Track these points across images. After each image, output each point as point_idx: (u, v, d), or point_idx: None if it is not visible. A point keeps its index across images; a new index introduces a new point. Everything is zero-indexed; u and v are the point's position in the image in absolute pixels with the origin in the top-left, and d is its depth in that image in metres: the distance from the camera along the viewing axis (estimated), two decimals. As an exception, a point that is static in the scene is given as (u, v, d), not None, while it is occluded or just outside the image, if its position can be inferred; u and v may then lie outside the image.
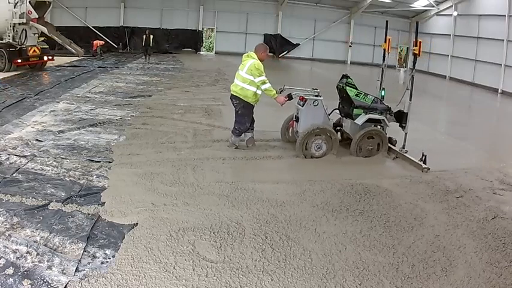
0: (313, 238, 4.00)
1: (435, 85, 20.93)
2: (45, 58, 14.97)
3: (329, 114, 6.81)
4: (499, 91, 18.66)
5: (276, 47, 26.60)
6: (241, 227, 4.09)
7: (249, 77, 6.41)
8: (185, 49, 25.90)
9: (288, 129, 7.18)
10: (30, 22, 14.43)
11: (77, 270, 3.26)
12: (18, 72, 13.36)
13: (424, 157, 6.36)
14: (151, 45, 20.08)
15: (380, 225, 4.36)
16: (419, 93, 17.92)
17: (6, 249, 3.46)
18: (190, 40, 26.09)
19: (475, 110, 15.34)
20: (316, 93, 6.68)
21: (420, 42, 6.74)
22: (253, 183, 5.24)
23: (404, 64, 27.80)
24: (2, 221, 3.91)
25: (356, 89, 6.74)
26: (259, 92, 6.49)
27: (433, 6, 24.36)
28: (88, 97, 10.44)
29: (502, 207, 5.05)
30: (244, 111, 6.59)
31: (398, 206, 4.87)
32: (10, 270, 3.17)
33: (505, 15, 18.40)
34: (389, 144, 6.91)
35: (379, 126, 6.86)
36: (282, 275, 3.38)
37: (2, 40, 14.12)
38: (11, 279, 3.08)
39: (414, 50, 6.83)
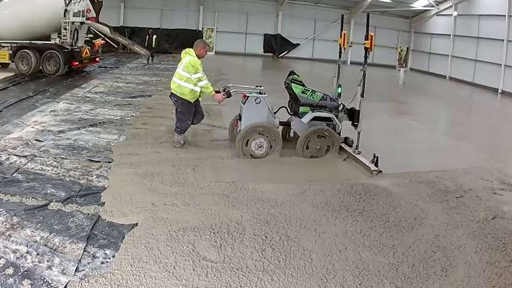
0: (313, 238, 3.99)
1: (435, 85, 20.93)
2: (94, 59, 14.71)
3: (275, 112, 6.58)
4: (499, 91, 18.66)
5: (276, 47, 26.61)
6: (241, 227, 4.09)
7: (185, 74, 6.27)
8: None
9: (234, 128, 6.90)
10: (87, 21, 13.75)
11: (77, 270, 3.27)
12: (18, 73, 13.26)
13: (375, 159, 6.02)
14: (154, 45, 19.78)
15: (380, 225, 4.36)
16: (420, 93, 18.04)
17: (6, 249, 3.46)
18: (190, 40, 25.87)
19: (475, 110, 15.33)
20: (259, 91, 6.46)
21: (372, 36, 6.33)
22: (253, 183, 5.23)
23: (404, 64, 27.82)
24: (2, 221, 3.91)
25: (303, 85, 6.49)
26: (197, 89, 6.33)
27: (433, 6, 24.35)
28: (88, 97, 10.44)
29: (502, 207, 5.05)
30: (183, 108, 6.42)
31: (398, 206, 4.86)
32: (10, 270, 3.18)
33: (505, 15, 18.39)
34: (344, 145, 6.66)
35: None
36: (282, 275, 3.38)
37: (49, 41, 13.29)
38: (11, 279, 3.08)
39: (365, 43, 6.43)
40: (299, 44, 27.12)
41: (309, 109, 6.47)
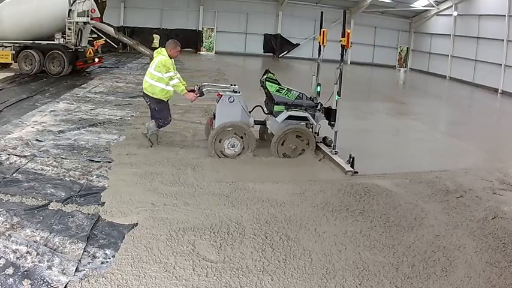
0: (313, 238, 4.00)
1: (435, 85, 20.94)
2: (97, 60, 14.67)
3: (250, 111, 6.52)
4: (499, 91, 18.65)
5: (276, 47, 26.60)
6: (241, 227, 4.09)
7: (156, 73, 6.30)
8: (185, 49, 25.87)
9: (209, 127, 6.80)
10: (92, 21, 13.73)
11: (77, 270, 3.27)
12: (18, 73, 13.27)
13: (351, 159, 5.89)
14: (153, 45, 19.68)
15: (380, 225, 4.36)
16: (420, 93, 18.04)
17: (6, 249, 3.46)
18: (190, 40, 26.03)
19: (475, 110, 15.33)
20: (233, 89, 6.38)
21: (349, 33, 6.21)
22: (253, 183, 5.23)
23: (404, 64, 27.82)
24: (2, 221, 3.92)
25: (278, 84, 6.40)
26: (169, 88, 6.36)
27: (433, 6, 24.35)
28: (88, 97, 10.44)
29: (502, 207, 5.05)
30: (161, 106, 6.47)
31: (398, 206, 4.87)
32: (10, 270, 3.18)
33: (505, 15, 18.40)
34: (323, 144, 6.57)
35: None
36: (282, 275, 3.38)
37: (52, 41, 13.27)
38: (11, 279, 3.08)
39: (341, 41, 6.25)
40: (299, 44, 27.09)
41: (284, 108, 6.36)
